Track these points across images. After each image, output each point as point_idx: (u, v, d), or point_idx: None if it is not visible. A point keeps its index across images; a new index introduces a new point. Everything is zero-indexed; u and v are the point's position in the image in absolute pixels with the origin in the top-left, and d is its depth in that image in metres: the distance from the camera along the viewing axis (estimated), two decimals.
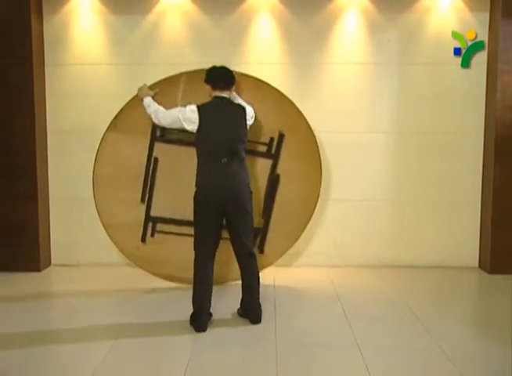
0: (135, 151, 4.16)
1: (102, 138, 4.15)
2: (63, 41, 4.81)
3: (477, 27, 4.77)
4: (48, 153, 4.88)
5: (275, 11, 4.79)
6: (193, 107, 3.44)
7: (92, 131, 4.53)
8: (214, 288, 3.57)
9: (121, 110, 4.12)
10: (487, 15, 4.75)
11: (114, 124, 4.12)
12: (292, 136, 4.24)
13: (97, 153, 4.15)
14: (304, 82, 4.84)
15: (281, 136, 4.22)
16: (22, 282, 4.48)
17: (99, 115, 4.64)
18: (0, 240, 4.73)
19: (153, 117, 3.71)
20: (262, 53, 4.82)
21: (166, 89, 4.03)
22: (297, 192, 4.29)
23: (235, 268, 3.71)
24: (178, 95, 4.07)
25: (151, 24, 4.79)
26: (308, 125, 4.31)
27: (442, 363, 2.96)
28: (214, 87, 3.51)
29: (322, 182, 4.39)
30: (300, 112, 4.27)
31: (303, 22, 4.79)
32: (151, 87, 3.97)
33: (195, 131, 3.45)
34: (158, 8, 4.77)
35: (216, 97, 3.51)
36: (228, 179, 3.40)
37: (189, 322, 3.50)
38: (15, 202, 4.70)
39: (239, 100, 3.82)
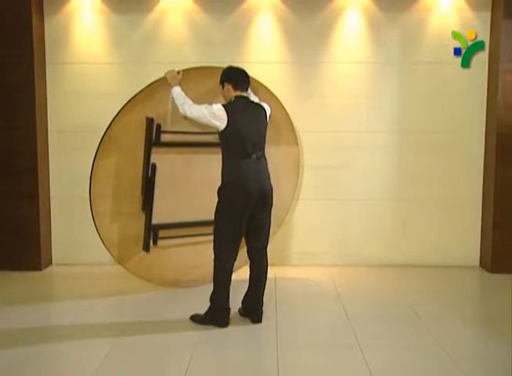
0: (132, 162, 3.96)
1: (97, 153, 3.84)
2: (64, 41, 4.80)
3: (478, 27, 4.77)
4: (50, 152, 4.88)
5: (276, 10, 4.79)
6: (220, 106, 3.44)
7: (94, 130, 4.52)
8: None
9: (113, 120, 3.87)
10: (488, 14, 4.75)
11: (108, 137, 3.87)
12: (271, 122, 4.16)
13: (92, 170, 3.84)
14: (305, 81, 4.84)
15: None
16: (23, 281, 4.49)
17: (100, 114, 4.63)
18: (1, 238, 4.73)
19: (179, 108, 3.67)
20: (263, 52, 4.82)
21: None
22: (276, 175, 4.23)
23: None
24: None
25: (152, 23, 4.79)
26: (285, 110, 4.35)
27: (443, 363, 2.97)
28: (236, 87, 3.53)
29: (322, 182, 4.37)
30: (275, 96, 4.27)
31: (304, 21, 4.79)
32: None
33: (221, 129, 3.44)
34: (159, 7, 4.77)
35: (239, 97, 3.53)
36: (261, 174, 3.48)
37: (195, 320, 3.51)
38: (16, 201, 4.70)
39: (252, 96, 3.87)
